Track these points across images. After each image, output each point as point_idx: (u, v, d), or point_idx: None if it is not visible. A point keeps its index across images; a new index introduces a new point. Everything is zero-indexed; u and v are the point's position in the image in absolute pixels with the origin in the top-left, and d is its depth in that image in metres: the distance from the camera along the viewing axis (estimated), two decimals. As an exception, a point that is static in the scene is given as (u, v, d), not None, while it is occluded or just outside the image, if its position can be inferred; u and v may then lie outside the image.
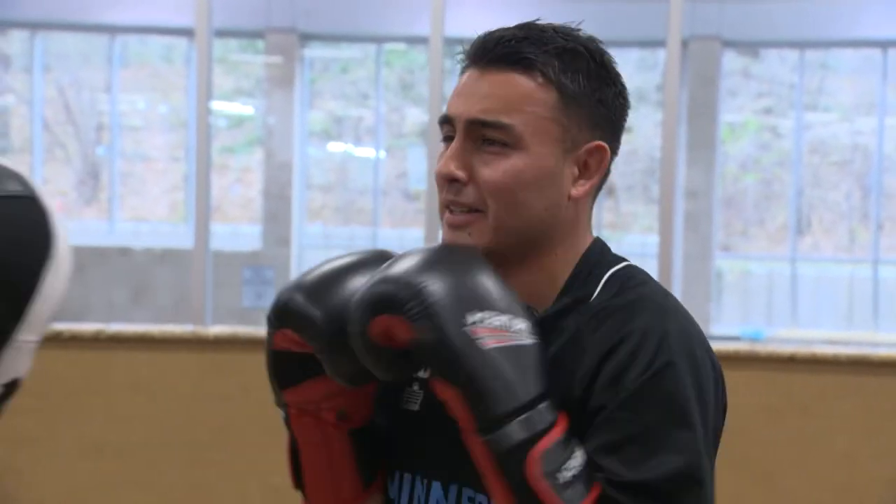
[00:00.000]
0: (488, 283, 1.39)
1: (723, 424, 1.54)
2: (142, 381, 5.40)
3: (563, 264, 1.57)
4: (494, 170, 1.48)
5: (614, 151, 1.58)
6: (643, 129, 14.59)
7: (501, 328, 1.33)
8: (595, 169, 1.53)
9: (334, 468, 1.60)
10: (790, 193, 15.60)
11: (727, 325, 13.79)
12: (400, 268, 1.38)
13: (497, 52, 1.50)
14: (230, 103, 15.80)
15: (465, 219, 1.50)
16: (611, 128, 1.57)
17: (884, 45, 14.35)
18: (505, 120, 1.48)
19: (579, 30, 1.58)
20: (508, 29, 1.55)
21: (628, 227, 15.17)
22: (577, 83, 1.50)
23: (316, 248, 15.08)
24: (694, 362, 1.45)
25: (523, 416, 1.32)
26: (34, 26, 15.28)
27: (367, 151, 16.18)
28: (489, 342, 1.31)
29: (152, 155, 16.40)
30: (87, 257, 14.16)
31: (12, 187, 1.08)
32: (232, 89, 15.72)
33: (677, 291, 6.40)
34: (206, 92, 5.98)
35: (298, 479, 1.64)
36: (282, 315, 1.46)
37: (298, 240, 14.94)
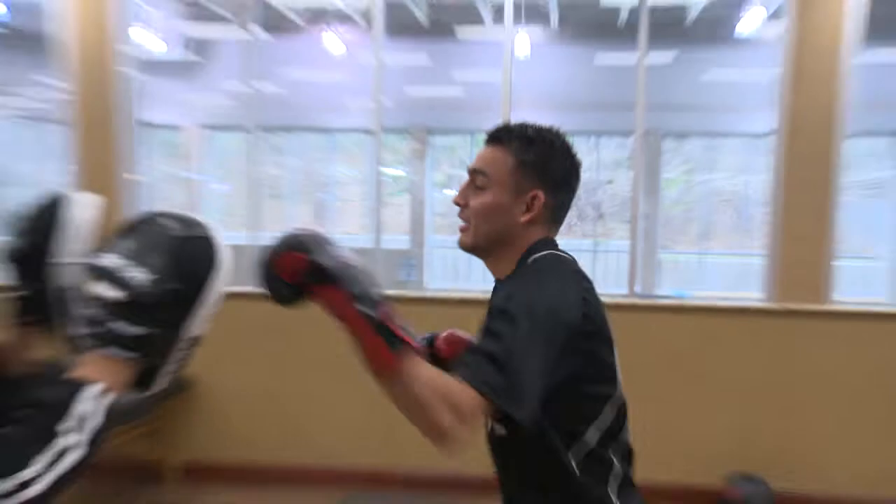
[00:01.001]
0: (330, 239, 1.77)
1: (588, 343, 1.98)
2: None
3: (516, 255, 2.13)
4: (475, 201, 2.10)
5: (556, 197, 2.11)
6: (621, 181, 16.49)
7: (350, 258, 1.75)
8: (536, 208, 2.04)
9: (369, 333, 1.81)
10: (699, 217, 18.22)
11: (665, 290, 15.33)
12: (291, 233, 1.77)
13: (490, 135, 2.12)
14: (391, 169, 17.65)
15: (463, 227, 2.12)
16: (548, 182, 2.07)
17: (756, 136, 15.43)
18: (482, 168, 2.08)
19: (557, 128, 2.13)
20: (505, 123, 2.12)
21: (610, 236, 16.42)
22: (528, 156, 2.05)
23: (438, 248, 17.91)
24: (538, 304, 1.92)
25: (374, 293, 1.72)
26: (289, 129, 17.84)
27: None
28: (352, 260, 1.74)
29: (350, 197, 19.34)
30: None
31: (201, 232, 1.37)
32: (392, 161, 17.51)
33: (639, 273, 6.56)
34: (379, 162, 6.72)
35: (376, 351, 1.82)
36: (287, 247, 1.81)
37: (428, 243, 17.57)
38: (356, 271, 1.72)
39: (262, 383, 6.41)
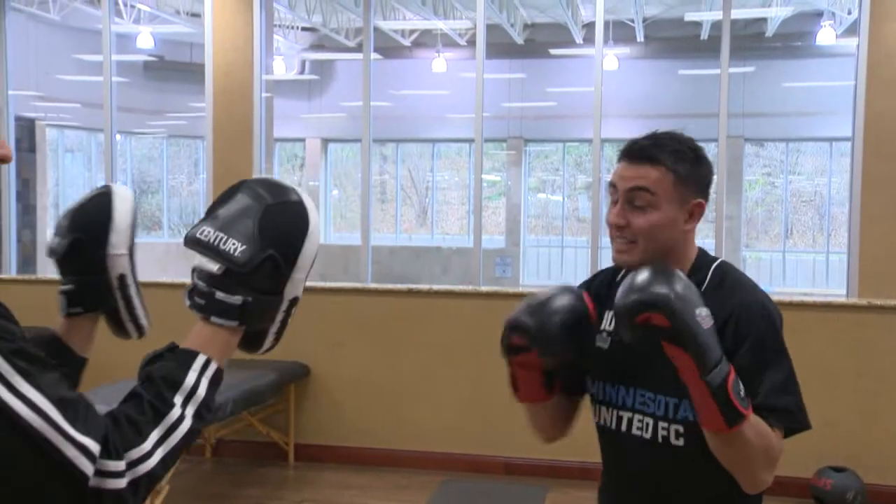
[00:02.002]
0: (693, 290, 1.78)
1: None
2: (448, 315, 6.31)
3: (682, 262, 2.02)
4: (641, 220, 1.96)
5: (707, 200, 2.04)
6: None
7: (707, 316, 1.75)
8: (697, 215, 1.99)
9: (534, 383, 2.05)
10: (781, 217, 18.29)
11: None
12: (654, 282, 1.76)
13: (638, 152, 1.99)
14: (490, 175, 18.50)
15: (627, 247, 1.99)
16: (703, 189, 2.02)
17: (830, 140, 16.60)
18: (649, 188, 1.95)
19: (682, 131, 2.07)
20: (644, 137, 2.02)
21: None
22: (683, 168, 1.96)
23: (532, 247, 18.05)
24: (776, 317, 2.01)
25: (718, 366, 1.75)
26: (398, 141, 18.60)
27: (557, 198, 18.77)
28: (707, 324, 1.75)
29: (451, 201, 19.67)
30: (420, 252, 17.99)
31: (294, 197, 1.31)
32: (490, 167, 18.22)
33: None
34: (479, 169, 6.72)
35: (515, 388, 2.09)
36: (514, 327, 1.90)
37: (523, 242, 17.71)
38: (707, 337, 1.75)
39: (373, 374, 6.39)
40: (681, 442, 1.99)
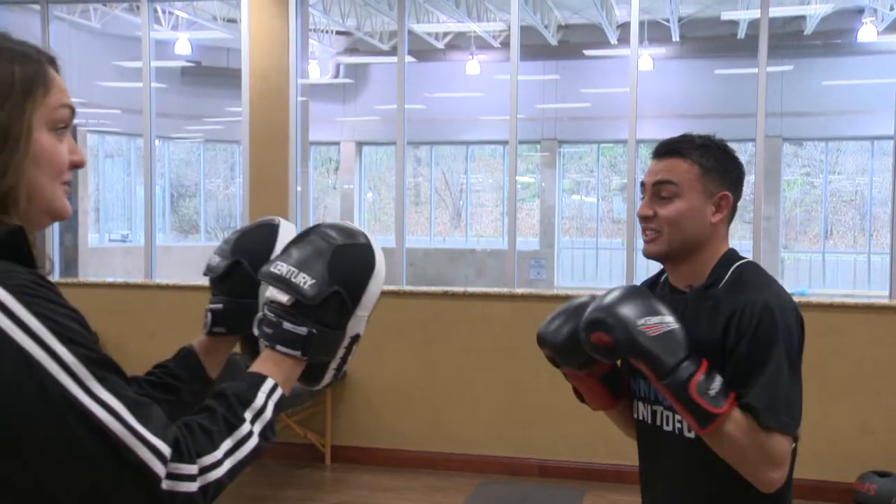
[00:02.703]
0: (649, 301, 1.86)
1: (803, 344, 2.01)
2: (483, 317, 6.31)
3: (709, 259, 2.06)
4: (666, 210, 2.02)
5: (737, 195, 2.08)
6: (744, 185, 17.53)
7: (659, 323, 1.81)
8: (724, 207, 2.02)
9: (595, 391, 2.14)
10: (821, 217, 18.14)
11: (787, 288, 16.38)
12: (603, 302, 1.87)
13: (664, 148, 2.07)
14: (523, 177, 18.28)
15: (654, 236, 2.05)
16: (731, 183, 2.05)
17: (871, 139, 16.55)
18: (673, 179, 2.02)
19: (714, 135, 2.10)
20: (673, 137, 2.09)
21: (732, 237, 17.11)
22: (709, 162, 2.02)
23: (566, 249, 17.98)
24: (782, 315, 1.94)
25: (681, 367, 1.79)
26: (432, 143, 18.56)
27: (591, 199, 18.72)
28: (651, 332, 1.81)
29: (485, 203, 19.61)
30: (454, 254, 17.99)
31: (362, 240, 1.38)
32: (524, 169, 18.12)
33: None
34: (513, 171, 6.72)
35: (579, 397, 2.21)
36: (540, 341, 2.04)
37: (557, 244, 17.63)
38: (662, 343, 1.81)
39: (408, 376, 6.42)
40: (692, 435, 2.00)
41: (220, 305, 1.55)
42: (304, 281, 1.32)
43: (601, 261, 18.08)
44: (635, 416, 2.18)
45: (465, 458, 6.33)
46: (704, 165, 2.03)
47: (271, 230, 1.56)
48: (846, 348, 5.74)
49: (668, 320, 1.84)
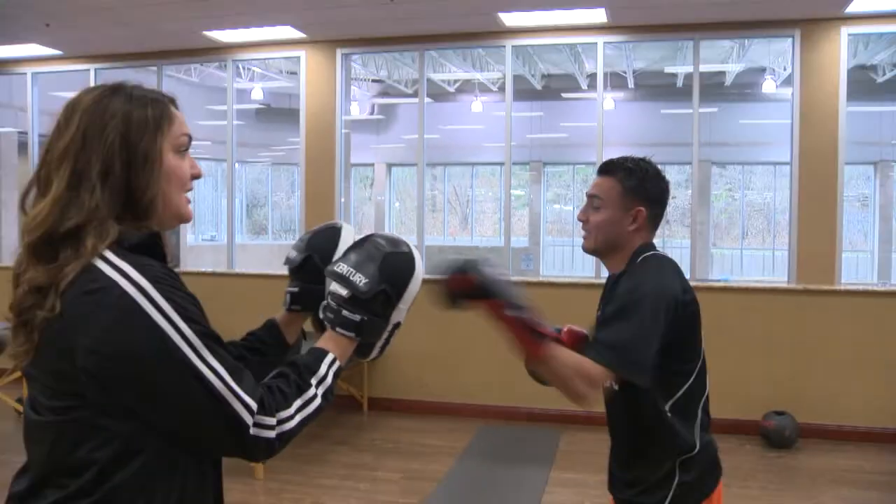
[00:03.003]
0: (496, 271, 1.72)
1: (686, 320, 1.92)
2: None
3: (627, 255, 2.02)
4: (594, 217, 2.01)
5: (654, 209, 2.01)
6: (681, 197, 15.61)
7: (501, 273, 1.71)
8: (640, 218, 1.97)
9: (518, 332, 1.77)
10: (739, 222, 17.95)
11: (715, 275, 15.65)
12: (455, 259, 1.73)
13: (602, 167, 2.03)
14: (516, 190, 17.51)
15: (586, 236, 2.03)
16: (649, 200, 1.99)
17: (774, 164, 14.84)
18: (598, 194, 2.00)
19: (649, 158, 2.05)
20: (611, 159, 2.05)
21: (674, 237, 15.90)
22: (630, 182, 1.98)
23: (549, 246, 17.75)
24: (642, 295, 1.86)
25: (521, 307, 1.70)
26: (445, 164, 18.33)
27: (568, 207, 18.14)
28: (498, 276, 1.70)
29: (486, 211, 19.41)
30: (462, 250, 17.16)
31: (405, 249, 1.38)
32: (516, 184, 17.33)
33: (696, 263, 6.54)
34: (508, 185, 6.82)
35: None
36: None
37: (542, 242, 17.52)
38: (507, 286, 1.72)
39: (427, 343, 6.40)
40: (616, 387, 2.01)
41: (296, 289, 1.56)
42: (360, 280, 1.34)
43: (576, 255, 17.84)
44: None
45: (470, 406, 6.37)
46: (625, 185, 2.01)
47: (335, 232, 1.57)
48: (758, 320, 5.85)
49: (510, 278, 1.75)
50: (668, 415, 1.97)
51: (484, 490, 4.75)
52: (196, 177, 1.32)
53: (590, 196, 2.06)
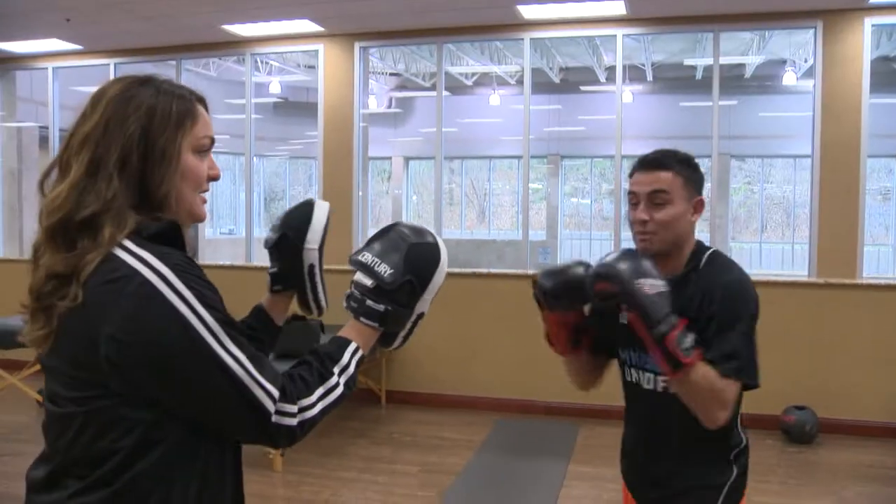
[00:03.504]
0: (646, 265, 1.75)
1: (758, 314, 1.95)
2: (502, 292, 6.28)
3: (686, 251, 1.99)
4: (661, 214, 1.92)
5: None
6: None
7: (653, 284, 1.71)
8: (699, 209, 1.95)
9: (561, 337, 2.02)
10: (758, 216, 17.90)
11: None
12: (609, 259, 1.78)
13: (652, 162, 1.96)
14: (533, 184, 17.57)
15: (650, 238, 1.94)
16: (700, 189, 1.98)
17: (794, 157, 15.09)
18: (665, 188, 1.92)
19: (681, 151, 2.00)
20: (657, 152, 1.99)
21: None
22: (687, 172, 1.95)
23: (566, 240, 17.82)
24: (746, 290, 1.92)
25: (664, 321, 1.70)
26: (463, 158, 18.37)
27: (586, 201, 18.56)
28: (646, 289, 1.71)
29: (503, 204, 19.39)
30: (480, 244, 17.64)
31: (430, 239, 1.37)
32: (533, 178, 17.32)
33: None
34: (526, 178, 6.72)
35: (550, 343, 2.07)
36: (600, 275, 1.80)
37: (559, 236, 17.42)
38: (652, 298, 1.72)
39: (445, 337, 6.39)
40: (661, 390, 2.01)
41: (275, 269, 1.55)
42: (385, 270, 1.32)
43: (594, 249, 17.84)
44: (626, 378, 2.13)
45: (488, 400, 6.35)
46: (685, 176, 1.97)
47: (308, 208, 1.54)
48: (777, 314, 5.72)
49: (660, 283, 1.76)
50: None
51: (502, 483, 4.74)
52: (213, 178, 1.32)
53: (651, 193, 1.96)
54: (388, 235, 1.38)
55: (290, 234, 1.50)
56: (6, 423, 5.74)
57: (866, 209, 5.92)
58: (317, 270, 1.52)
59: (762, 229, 18.08)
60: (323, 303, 1.56)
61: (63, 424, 1.20)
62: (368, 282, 1.34)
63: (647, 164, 1.99)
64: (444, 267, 1.39)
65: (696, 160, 2.04)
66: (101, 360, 1.14)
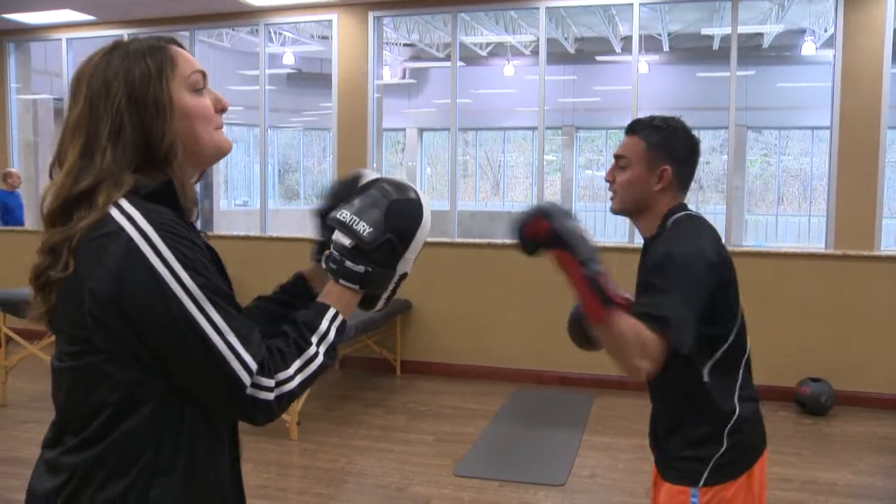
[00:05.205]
0: (571, 214, 1.64)
1: (722, 282, 1.86)
2: (516, 263, 6.91)
3: (657, 216, 1.97)
4: (620, 177, 1.97)
5: (680, 169, 1.95)
6: (715, 163, 16.54)
7: (585, 230, 1.63)
8: (665, 178, 1.91)
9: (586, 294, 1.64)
10: (775, 188, 17.84)
11: (749, 242, 15.65)
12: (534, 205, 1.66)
13: (628, 127, 2.00)
14: (548, 156, 16.77)
15: (613, 196, 2.00)
16: (675, 160, 1.93)
17: (812, 128, 15.26)
18: (623, 153, 1.96)
19: (677, 118, 1.99)
20: (641, 117, 2.01)
21: (708, 203, 16.01)
22: (654, 140, 1.93)
23: (580, 212, 16.23)
24: (683, 260, 1.80)
25: (597, 261, 1.62)
26: (477, 129, 18.42)
27: (600, 173, 17.26)
28: (585, 235, 1.63)
29: (518, 176, 19.45)
30: (494, 215, 16.92)
31: (413, 195, 1.30)
32: (548, 149, 15.16)
33: (732, 229, 6.61)
34: (541, 150, 6.74)
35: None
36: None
37: (574, 208, 16.75)
38: (584, 240, 1.62)
39: (459, 307, 6.45)
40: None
41: (322, 238, 1.50)
42: (364, 228, 1.27)
43: (609, 220, 17.87)
44: None
45: (503, 370, 6.37)
46: (650, 143, 1.95)
47: (356, 178, 1.47)
48: (793, 286, 5.78)
49: (586, 232, 1.66)
50: (707, 379, 1.93)
51: (516, 453, 4.75)
52: (223, 109, 1.31)
53: (616, 156, 2.02)
54: (369, 192, 1.32)
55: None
56: (26, 391, 5.83)
57: (885, 181, 5.87)
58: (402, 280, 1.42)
59: (778, 202, 17.99)
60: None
61: (60, 380, 1.23)
62: (347, 241, 1.28)
63: (627, 127, 2.05)
64: (428, 224, 1.32)
65: (704, 132, 2.05)
66: (86, 315, 1.15)
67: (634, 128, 2.00)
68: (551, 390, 6.14)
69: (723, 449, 1.93)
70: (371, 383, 6.30)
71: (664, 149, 1.95)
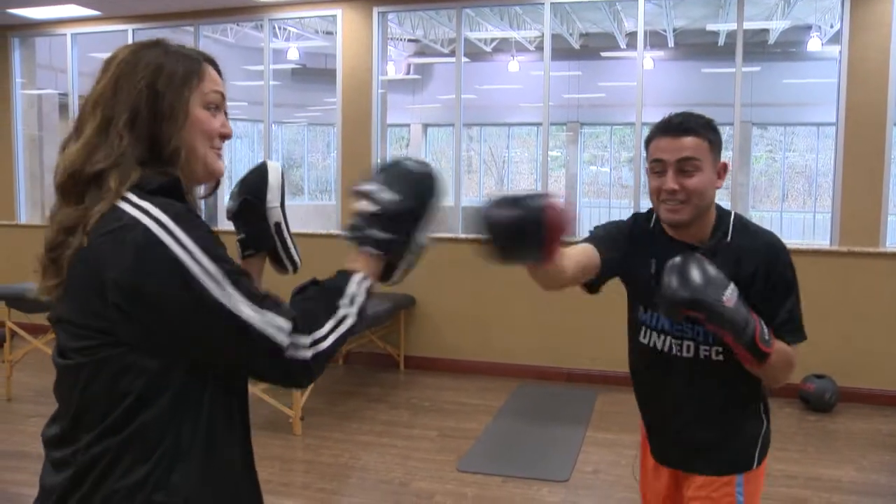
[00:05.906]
0: (715, 273, 1.76)
1: None
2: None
3: (711, 217, 1.93)
4: (691, 182, 1.83)
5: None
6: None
7: (730, 295, 1.74)
8: (724, 173, 1.88)
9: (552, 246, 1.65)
10: (779, 185, 17.82)
11: None
12: (685, 279, 1.74)
13: (678, 127, 1.85)
14: (552, 152, 17.25)
15: (678, 206, 1.85)
16: (720, 152, 1.88)
17: (817, 125, 15.17)
18: (696, 156, 1.83)
19: (703, 115, 1.91)
20: (678, 116, 1.88)
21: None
22: (711, 137, 1.85)
23: (585, 208, 17.68)
24: (787, 253, 1.91)
25: (748, 326, 1.75)
26: (481, 125, 18.22)
27: (605, 169, 18.52)
28: (728, 303, 1.73)
29: (522, 172, 19.29)
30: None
31: (432, 171, 1.38)
32: (552, 145, 16.82)
33: None
34: (546, 146, 6.70)
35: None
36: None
37: (578, 204, 17.18)
38: (736, 310, 1.77)
39: (464, 303, 6.45)
40: (721, 358, 1.97)
41: (243, 235, 1.56)
42: (388, 196, 1.34)
43: (613, 217, 17.81)
44: (645, 342, 2.05)
45: (507, 366, 6.36)
46: (712, 141, 1.88)
47: (262, 168, 1.54)
48: (800, 282, 5.69)
49: (731, 287, 1.75)
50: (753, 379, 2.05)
51: (520, 449, 4.76)
52: (225, 136, 1.34)
53: (681, 160, 1.85)
54: (392, 168, 1.41)
55: (250, 198, 1.51)
56: (31, 386, 5.84)
57: (891, 177, 5.84)
58: (283, 227, 1.53)
59: (783, 198, 17.94)
60: (296, 257, 1.57)
61: (72, 377, 1.23)
62: (372, 208, 1.35)
63: (673, 129, 1.88)
64: (444, 196, 1.42)
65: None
66: (109, 307, 1.16)
67: (692, 128, 1.87)
68: (555, 386, 6.14)
69: (764, 427, 2.05)
70: (375, 379, 6.30)
71: (720, 145, 1.91)
